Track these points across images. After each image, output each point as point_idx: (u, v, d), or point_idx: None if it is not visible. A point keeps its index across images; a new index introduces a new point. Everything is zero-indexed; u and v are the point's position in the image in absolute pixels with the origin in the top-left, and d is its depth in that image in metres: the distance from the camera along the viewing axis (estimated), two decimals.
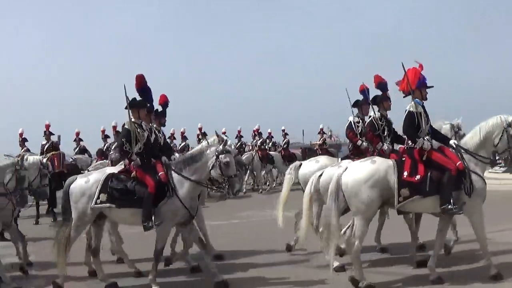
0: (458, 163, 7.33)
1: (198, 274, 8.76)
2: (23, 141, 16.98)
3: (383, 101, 9.18)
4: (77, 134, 21.12)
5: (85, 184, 8.12)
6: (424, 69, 7.87)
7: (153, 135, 8.54)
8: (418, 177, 7.28)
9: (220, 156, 7.78)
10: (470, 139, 7.69)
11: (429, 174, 7.29)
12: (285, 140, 26.56)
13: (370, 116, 9.15)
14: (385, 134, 8.98)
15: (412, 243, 8.61)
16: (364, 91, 9.94)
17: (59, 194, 9.36)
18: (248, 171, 23.65)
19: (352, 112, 9.95)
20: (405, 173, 7.31)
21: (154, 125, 9.27)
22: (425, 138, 7.52)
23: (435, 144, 7.71)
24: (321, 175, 8.57)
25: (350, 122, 9.86)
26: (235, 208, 15.80)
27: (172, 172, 7.97)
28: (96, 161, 19.93)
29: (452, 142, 7.75)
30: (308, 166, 9.66)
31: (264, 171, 24.75)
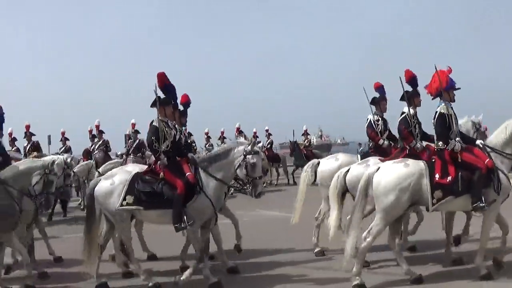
0: (487, 160, 7.54)
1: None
2: (12, 141, 17.04)
3: (413, 97, 9.10)
4: (63, 134, 21.04)
5: (110, 186, 8.11)
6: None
7: (178, 134, 8.53)
8: (449, 178, 7.47)
9: (247, 156, 7.82)
10: (496, 136, 7.91)
11: (459, 174, 7.48)
12: (268, 141, 26.62)
13: (403, 113, 9.09)
14: (417, 131, 9.00)
15: (447, 241, 8.71)
16: (380, 88, 10.03)
17: None
18: None
19: (371, 110, 10.02)
20: (437, 176, 7.49)
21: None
22: (456, 140, 7.72)
23: None
24: (346, 172, 8.69)
25: (370, 120, 9.93)
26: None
27: (200, 169, 7.99)
28: (82, 161, 20.19)
29: (478, 142, 7.97)
30: (328, 164, 9.75)
31: None
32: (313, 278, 8.23)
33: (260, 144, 8.40)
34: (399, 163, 7.76)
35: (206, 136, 25.12)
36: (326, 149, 74.18)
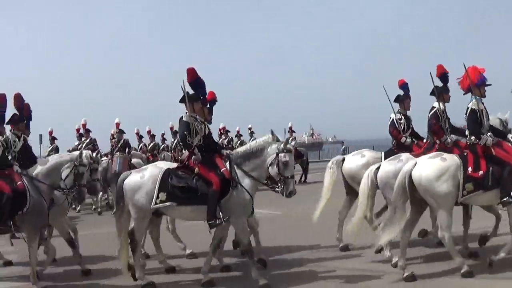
0: None
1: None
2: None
3: (443, 93, 9.22)
4: (50, 133, 21.25)
5: (140, 179, 8.11)
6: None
7: (207, 129, 8.60)
8: (481, 172, 7.71)
9: (280, 154, 7.85)
10: None
11: (490, 169, 7.74)
12: (251, 139, 26.68)
13: (433, 108, 9.20)
14: (446, 126, 9.15)
15: (464, 235, 8.96)
16: (404, 85, 10.18)
17: None
18: None
19: (393, 108, 10.20)
20: (470, 169, 7.74)
21: None
22: (488, 135, 7.99)
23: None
24: (377, 168, 8.82)
25: (393, 119, 10.10)
26: None
27: (234, 165, 8.06)
28: None
29: (510, 136, 8.31)
30: (354, 161, 9.87)
31: None
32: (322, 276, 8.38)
33: (293, 143, 8.43)
34: (435, 157, 7.96)
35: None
36: (317, 147, 74.76)
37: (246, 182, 7.94)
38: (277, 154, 7.86)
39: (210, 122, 9.61)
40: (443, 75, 9.25)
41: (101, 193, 17.38)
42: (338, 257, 9.42)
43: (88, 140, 20.19)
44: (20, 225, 8.25)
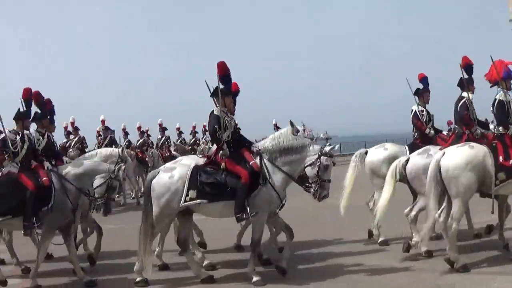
0: None
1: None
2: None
3: (469, 85, 9.37)
4: None
5: (169, 179, 8.12)
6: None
7: (235, 124, 8.70)
8: (511, 161, 7.98)
9: (322, 157, 7.99)
10: None
11: None
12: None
13: (463, 98, 9.32)
14: (475, 116, 9.33)
15: (499, 226, 9.16)
16: (424, 79, 10.47)
17: None
18: None
19: (416, 100, 10.49)
20: (500, 158, 7.97)
21: None
22: None
23: None
24: (406, 161, 9.03)
25: (415, 111, 10.37)
26: None
27: (265, 160, 8.14)
28: None
29: None
30: (377, 154, 10.07)
31: None
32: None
33: (336, 147, 8.60)
34: (463, 146, 8.20)
35: (177, 132, 25.59)
36: None
37: (277, 177, 8.04)
38: (319, 156, 8.00)
39: (233, 114, 9.88)
40: (468, 66, 9.48)
41: None
42: (362, 251, 9.63)
43: (76, 139, 20.17)
44: (42, 222, 8.25)
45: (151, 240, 8.19)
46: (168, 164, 8.89)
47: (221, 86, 8.46)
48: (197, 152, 22.49)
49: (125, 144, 23.93)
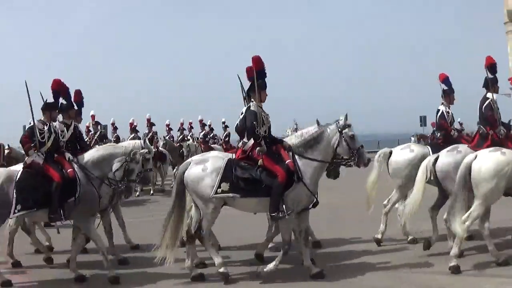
0: None
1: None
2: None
3: (494, 84, 9.62)
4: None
5: (202, 171, 8.20)
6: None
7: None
8: None
9: (343, 131, 8.22)
10: None
11: None
12: (225, 133, 26.78)
13: (487, 99, 9.54)
14: (499, 117, 9.57)
15: None
16: (446, 79, 10.74)
17: None
18: None
19: (442, 101, 10.74)
20: None
21: None
22: None
23: None
24: (435, 161, 9.24)
25: (442, 111, 10.62)
26: None
27: (296, 156, 8.26)
28: None
29: None
30: (403, 154, 10.27)
31: None
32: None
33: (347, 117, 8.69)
34: (495, 151, 8.43)
35: (167, 128, 25.68)
36: None
37: (309, 170, 8.19)
38: (341, 132, 8.23)
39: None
40: (492, 66, 9.71)
41: None
42: (384, 250, 9.82)
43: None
44: (70, 214, 8.34)
45: (204, 233, 8.27)
46: (199, 156, 8.92)
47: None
48: (183, 149, 22.64)
49: (113, 139, 23.97)
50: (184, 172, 8.34)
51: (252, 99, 8.57)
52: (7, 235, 9.53)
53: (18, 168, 8.68)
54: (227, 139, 26.20)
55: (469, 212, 8.27)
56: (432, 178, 9.25)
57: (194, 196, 8.29)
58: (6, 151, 19.17)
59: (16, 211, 8.17)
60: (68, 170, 8.39)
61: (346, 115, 8.38)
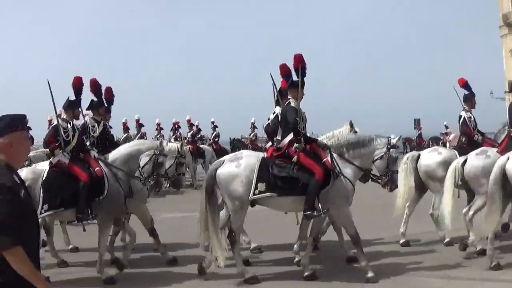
0: None
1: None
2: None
3: None
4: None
5: (236, 168, 8.24)
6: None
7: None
8: None
9: (391, 149, 8.52)
10: None
11: None
12: (214, 133, 26.80)
13: None
14: None
15: None
16: (466, 84, 11.04)
17: None
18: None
19: (464, 107, 11.01)
20: None
21: None
22: None
23: None
24: (463, 163, 9.48)
25: (464, 117, 10.87)
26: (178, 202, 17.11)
27: (334, 155, 8.40)
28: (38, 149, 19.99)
29: None
30: (432, 157, 10.53)
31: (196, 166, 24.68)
32: None
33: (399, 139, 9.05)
34: None
35: (158, 127, 26.01)
36: None
37: (347, 171, 8.34)
38: (388, 149, 8.50)
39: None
40: None
41: None
42: (414, 252, 9.97)
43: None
44: (98, 212, 8.37)
45: (235, 235, 8.31)
46: (232, 155, 9.01)
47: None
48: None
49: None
50: (216, 170, 8.37)
51: (289, 97, 8.69)
52: None
53: (44, 167, 8.73)
54: (216, 139, 26.29)
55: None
56: (459, 180, 9.49)
57: (225, 195, 8.29)
58: None
59: (43, 211, 8.21)
60: (96, 169, 8.44)
61: (400, 137, 8.85)
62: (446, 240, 10.23)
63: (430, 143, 35.27)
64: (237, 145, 25.91)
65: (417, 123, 40.88)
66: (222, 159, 8.77)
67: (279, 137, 8.66)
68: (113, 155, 8.79)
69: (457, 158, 10.02)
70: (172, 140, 22.06)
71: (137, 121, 23.68)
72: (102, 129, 9.60)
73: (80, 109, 9.24)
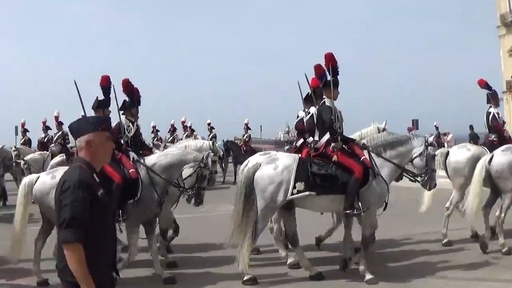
0: None
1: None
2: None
3: None
4: (23, 125, 21.87)
5: (274, 171, 8.34)
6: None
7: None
8: None
9: (429, 147, 8.71)
10: None
11: None
12: (211, 135, 26.89)
13: None
14: None
15: None
16: (486, 84, 11.49)
17: None
18: None
19: (491, 104, 11.35)
20: None
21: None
22: None
23: None
24: (490, 160, 9.73)
25: (493, 113, 11.23)
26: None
27: (373, 154, 8.59)
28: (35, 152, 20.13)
29: None
30: (461, 154, 10.80)
31: None
32: None
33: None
34: None
35: (153, 130, 26.38)
36: (293, 144, 76.20)
37: (385, 170, 8.54)
38: (427, 147, 8.69)
39: None
40: None
41: None
42: (443, 251, 10.19)
43: (60, 133, 20.23)
44: (129, 215, 8.33)
45: (255, 236, 8.34)
46: (266, 157, 9.10)
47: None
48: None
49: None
50: (253, 173, 8.45)
51: (324, 96, 8.85)
52: None
53: None
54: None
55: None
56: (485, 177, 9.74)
57: (260, 196, 8.34)
58: (14, 153, 19.53)
59: None
60: (130, 171, 8.39)
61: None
62: (445, 240, 10.45)
63: None
64: (230, 146, 26.00)
65: (415, 124, 41.02)
66: (258, 161, 8.82)
67: (316, 138, 8.81)
68: (152, 159, 8.77)
69: (486, 154, 10.26)
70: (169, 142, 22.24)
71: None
72: (136, 130, 9.63)
73: (109, 109, 9.24)
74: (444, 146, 22.02)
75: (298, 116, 10.65)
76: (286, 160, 8.50)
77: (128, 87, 9.54)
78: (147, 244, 8.77)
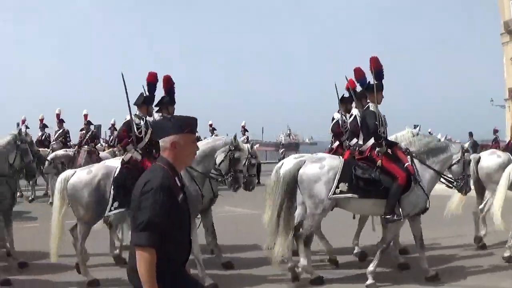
0: None
1: None
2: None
3: None
4: (23, 121, 21.45)
5: (319, 170, 8.57)
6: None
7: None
8: None
9: (466, 154, 9.05)
10: None
11: None
12: (213, 136, 26.92)
13: None
14: None
15: None
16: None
17: None
18: None
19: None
20: None
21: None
22: None
23: None
24: None
25: None
26: None
27: (415, 160, 8.81)
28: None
29: None
30: (492, 160, 11.18)
31: None
32: None
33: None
34: None
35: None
36: (294, 147, 76.89)
37: (426, 177, 8.78)
38: (463, 154, 8.99)
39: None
40: None
41: None
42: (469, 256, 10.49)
43: (60, 131, 20.25)
44: None
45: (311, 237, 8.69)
46: (311, 156, 9.31)
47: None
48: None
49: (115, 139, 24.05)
50: (297, 170, 8.65)
51: (368, 101, 9.05)
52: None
53: (116, 163, 8.75)
54: None
55: None
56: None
57: (306, 195, 8.60)
58: None
59: (113, 208, 8.34)
60: None
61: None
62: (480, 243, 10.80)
63: None
64: None
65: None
66: (302, 159, 9.00)
67: (360, 142, 9.05)
68: None
69: None
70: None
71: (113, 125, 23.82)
72: None
73: (153, 106, 9.33)
74: None
75: (333, 119, 10.76)
76: (332, 161, 8.75)
77: (169, 84, 9.60)
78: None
